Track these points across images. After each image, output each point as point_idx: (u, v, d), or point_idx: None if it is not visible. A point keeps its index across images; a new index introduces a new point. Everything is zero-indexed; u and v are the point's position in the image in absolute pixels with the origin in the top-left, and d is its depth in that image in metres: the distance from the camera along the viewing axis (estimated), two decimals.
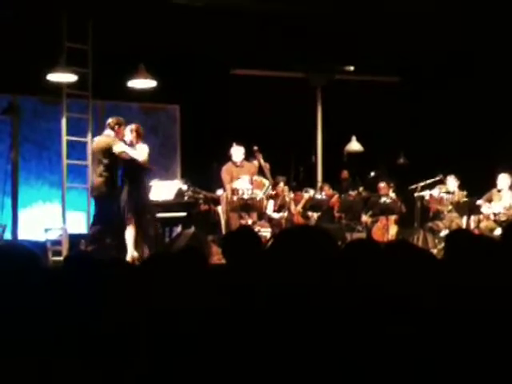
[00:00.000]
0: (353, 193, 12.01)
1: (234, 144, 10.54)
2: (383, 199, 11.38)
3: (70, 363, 2.23)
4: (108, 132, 8.84)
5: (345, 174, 13.32)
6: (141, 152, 8.76)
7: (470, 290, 2.57)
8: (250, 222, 10.03)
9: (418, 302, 2.41)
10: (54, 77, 9.80)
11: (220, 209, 10.41)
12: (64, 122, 9.98)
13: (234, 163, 10.45)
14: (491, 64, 11.68)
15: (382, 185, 12.12)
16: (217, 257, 8.88)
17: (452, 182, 10.98)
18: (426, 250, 3.76)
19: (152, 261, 3.01)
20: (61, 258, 8.83)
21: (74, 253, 8.08)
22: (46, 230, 9.79)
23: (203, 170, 11.34)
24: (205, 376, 2.13)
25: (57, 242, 9.55)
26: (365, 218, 11.90)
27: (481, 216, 10.57)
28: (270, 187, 10.70)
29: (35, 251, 2.74)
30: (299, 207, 11.78)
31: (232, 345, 2.15)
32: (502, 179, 10.68)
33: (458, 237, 3.23)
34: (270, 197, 10.96)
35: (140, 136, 8.90)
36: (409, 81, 12.88)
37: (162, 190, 10.33)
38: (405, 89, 12.82)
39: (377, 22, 10.69)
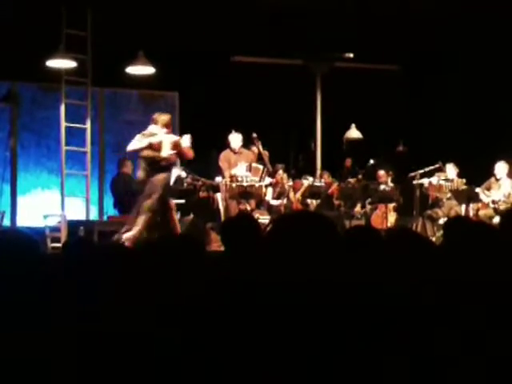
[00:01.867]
0: (352, 180, 12.00)
1: (233, 131, 10.52)
2: (382, 187, 11.38)
3: (68, 353, 2.23)
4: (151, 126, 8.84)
5: (348, 162, 13.31)
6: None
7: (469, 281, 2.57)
8: (248, 208, 10.04)
9: (417, 296, 2.40)
10: (53, 63, 9.78)
11: (219, 196, 10.40)
12: (63, 108, 9.96)
13: (232, 150, 10.43)
14: (491, 53, 11.66)
15: (381, 173, 12.11)
16: (216, 244, 8.89)
17: (451, 170, 10.97)
18: (426, 238, 3.77)
19: (151, 247, 3.01)
20: (59, 245, 8.83)
21: (73, 239, 8.08)
22: (45, 217, 9.79)
23: (202, 158, 11.32)
24: (206, 374, 2.11)
25: (56, 229, 9.54)
26: (358, 208, 11.91)
27: (479, 204, 10.58)
28: (266, 171, 10.68)
29: (34, 238, 2.74)
30: (298, 195, 11.77)
31: (233, 342, 2.13)
32: (500, 167, 10.68)
33: (456, 224, 3.23)
34: (269, 184, 10.95)
35: (158, 123, 8.82)
36: (408, 69, 12.85)
37: None
38: (404, 77, 12.80)
39: (377, 9, 10.66)
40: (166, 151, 8.61)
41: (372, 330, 2.12)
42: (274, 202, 11.36)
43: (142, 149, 8.60)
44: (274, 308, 2.11)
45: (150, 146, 8.57)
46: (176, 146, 8.69)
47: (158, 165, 8.60)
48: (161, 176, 8.57)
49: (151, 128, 8.72)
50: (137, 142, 8.63)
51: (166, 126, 8.75)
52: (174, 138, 8.83)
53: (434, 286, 2.48)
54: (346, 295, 2.17)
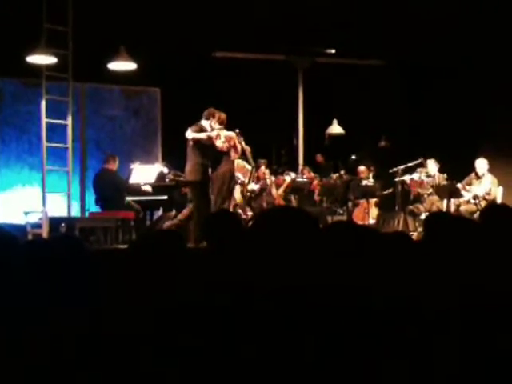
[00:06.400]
0: (334, 176, 12.02)
1: None
2: (364, 182, 11.41)
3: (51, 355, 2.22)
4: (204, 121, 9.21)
5: (319, 157, 13.33)
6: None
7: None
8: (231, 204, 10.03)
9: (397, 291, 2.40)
10: (34, 59, 9.71)
11: None
12: (44, 104, 9.89)
13: None
14: (474, 49, 11.70)
15: (362, 168, 12.14)
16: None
17: (432, 166, 11.03)
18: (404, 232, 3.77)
19: (133, 245, 3.00)
20: None
21: (54, 236, 8.04)
22: (26, 213, 9.73)
23: (184, 154, 11.30)
24: (201, 374, 2.10)
25: (37, 225, 9.48)
26: (352, 197, 11.86)
27: (461, 199, 10.62)
28: (254, 171, 10.71)
29: (14, 234, 2.72)
30: (280, 191, 11.78)
31: (225, 343, 2.12)
32: (480, 164, 10.72)
33: (437, 219, 3.24)
34: (254, 190, 11.00)
35: (215, 119, 9.18)
36: (390, 64, 12.88)
37: (143, 173, 10.30)
38: (386, 72, 12.82)
39: (360, 4, 10.67)
40: (221, 144, 9.13)
41: (359, 332, 2.11)
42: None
43: (201, 139, 9.01)
44: (261, 310, 2.10)
45: (209, 139, 9.06)
46: (230, 139, 9.23)
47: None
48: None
49: (204, 123, 9.15)
50: (197, 134, 9.04)
51: (222, 123, 9.20)
52: (229, 133, 9.29)
53: (420, 287, 2.48)
54: (330, 295, 2.17)
